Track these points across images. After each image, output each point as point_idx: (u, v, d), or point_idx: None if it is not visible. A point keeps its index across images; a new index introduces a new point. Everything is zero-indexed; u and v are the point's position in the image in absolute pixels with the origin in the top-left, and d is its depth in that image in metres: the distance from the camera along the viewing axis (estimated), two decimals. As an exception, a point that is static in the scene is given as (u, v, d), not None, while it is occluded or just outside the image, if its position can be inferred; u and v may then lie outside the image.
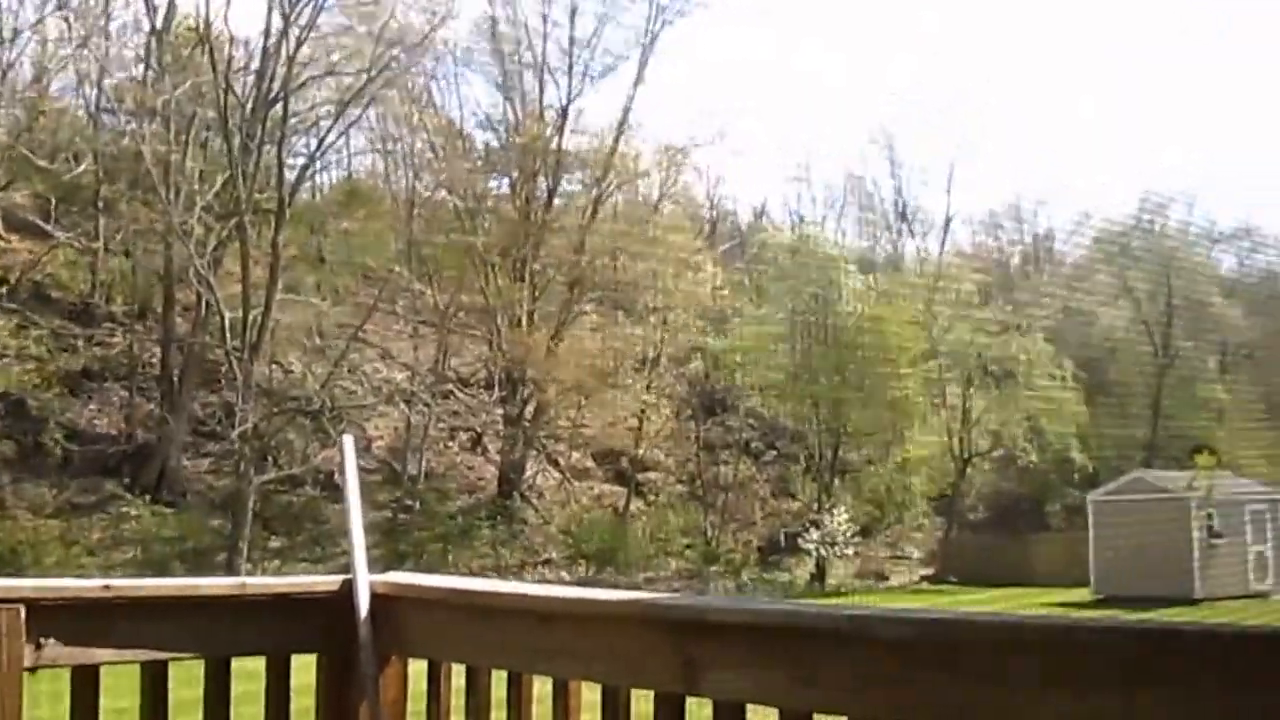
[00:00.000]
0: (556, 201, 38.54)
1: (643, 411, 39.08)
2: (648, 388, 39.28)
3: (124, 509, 31.75)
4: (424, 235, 37.17)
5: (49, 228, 34.68)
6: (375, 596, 3.33)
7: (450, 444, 38.28)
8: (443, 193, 38.44)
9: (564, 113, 37.53)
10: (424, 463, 35.83)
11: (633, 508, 38.32)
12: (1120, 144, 55.05)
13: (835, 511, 37.91)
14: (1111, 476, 38.27)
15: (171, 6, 35.26)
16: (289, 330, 35.09)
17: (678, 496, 40.14)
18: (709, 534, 38.90)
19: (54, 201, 34.88)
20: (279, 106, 34.50)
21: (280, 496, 33.41)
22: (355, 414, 36.27)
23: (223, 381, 34.11)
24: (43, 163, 32.59)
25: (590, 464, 40.05)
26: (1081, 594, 32.86)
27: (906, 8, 54.92)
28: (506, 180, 39.56)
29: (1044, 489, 45.29)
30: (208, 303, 33.54)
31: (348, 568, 3.40)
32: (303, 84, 35.17)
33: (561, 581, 33.38)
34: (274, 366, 35.32)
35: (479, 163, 40.04)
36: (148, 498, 32.13)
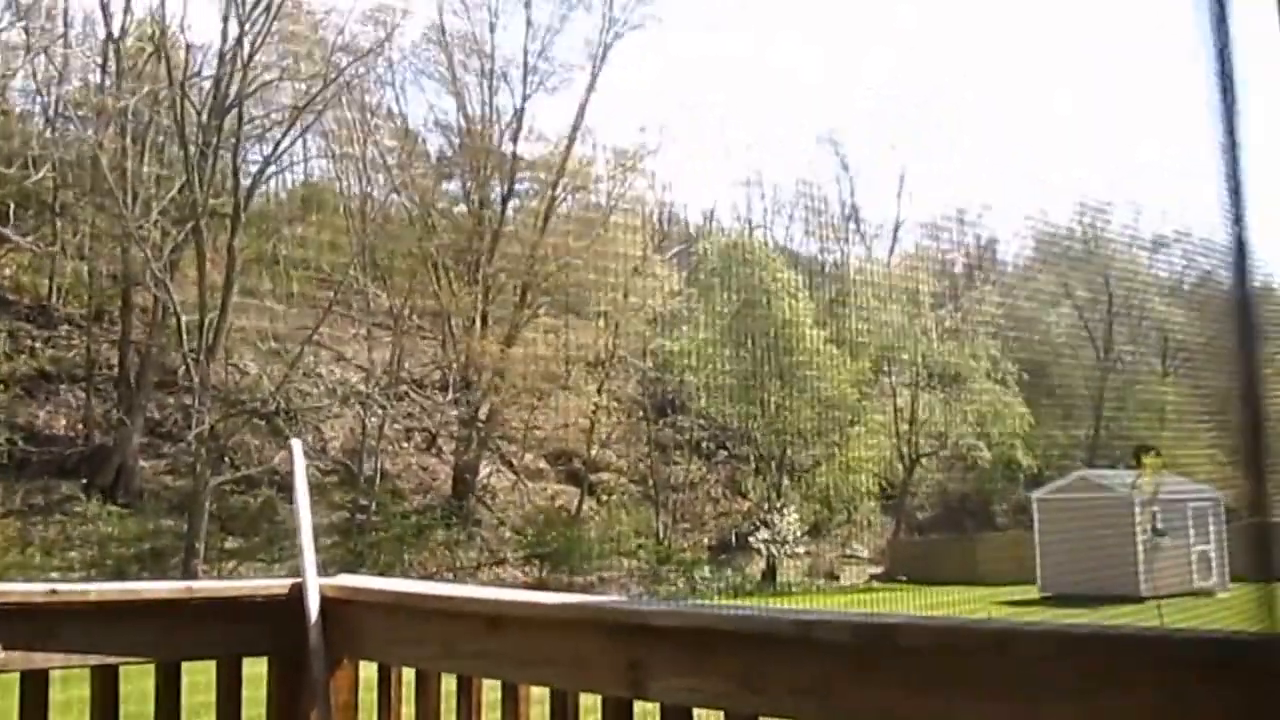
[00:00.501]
0: (510, 207, 38.55)
1: (594, 413, 39.17)
2: (599, 390, 39.36)
3: (80, 510, 31.44)
4: (378, 239, 37.05)
5: (6, 232, 34.21)
6: (326, 600, 3.33)
7: (405, 445, 38.19)
8: (397, 197, 38.32)
9: (517, 118, 37.62)
10: (379, 464, 35.73)
11: (586, 508, 38.39)
12: (1058, 150, 55.42)
13: (785, 511, 38.13)
14: (1056, 476, 38.59)
15: (128, 13, 34.86)
16: (245, 333, 35.01)
17: (630, 497, 40.24)
18: (661, 534, 39.02)
19: (11, 206, 34.42)
20: (234, 113, 34.23)
21: (237, 497, 33.28)
22: (311, 416, 36.18)
23: (179, 384, 33.96)
24: (2, 168, 32.15)
25: (544, 465, 40.08)
26: (1029, 591, 33.11)
27: (861, 12, 55.08)
28: (460, 185, 39.52)
29: (990, 489, 45.72)
30: (164, 306, 33.38)
31: (298, 570, 3.38)
32: (255, 90, 34.98)
33: (516, 581, 33.41)
34: (230, 369, 35.13)
35: (432, 168, 40.00)
36: (104, 499, 31.81)
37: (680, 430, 43.26)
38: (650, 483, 40.71)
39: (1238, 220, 1.46)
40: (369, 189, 37.78)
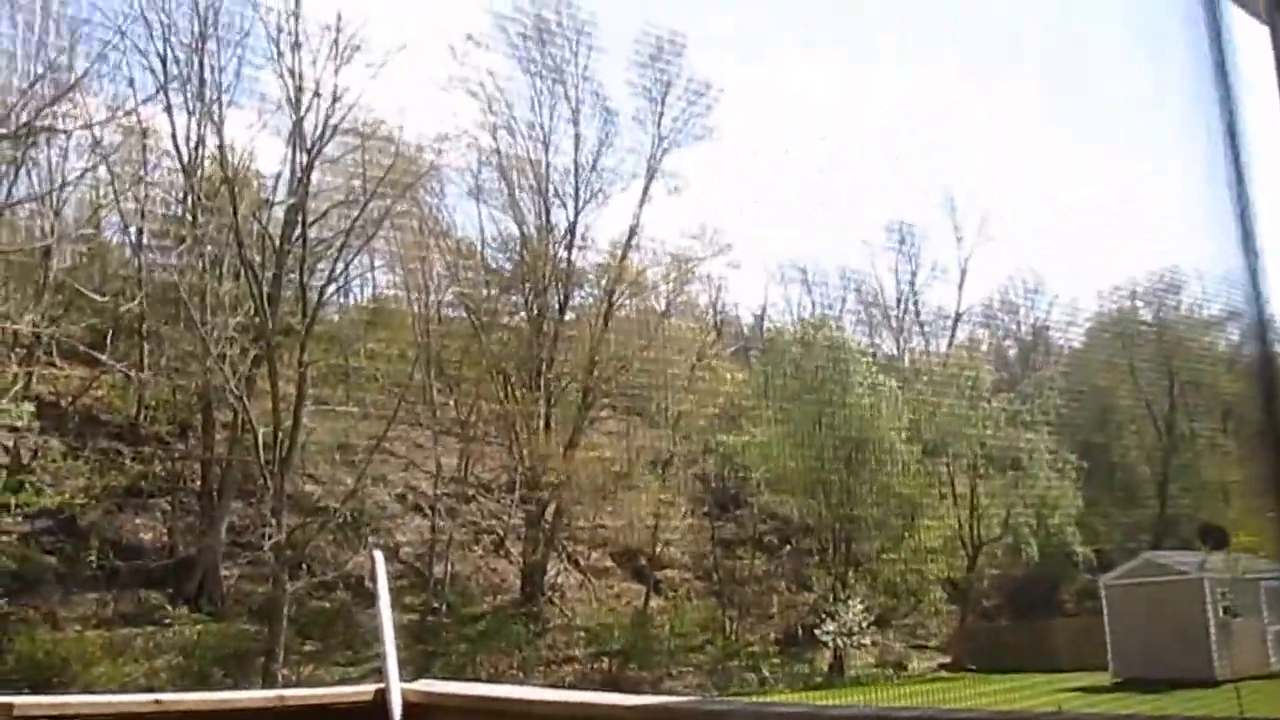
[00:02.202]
0: (568, 314, 39.59)
1: (659, 511, 39.64)
2: (663, 487, 39.89)
3: (167, 619, 32.36)
4: (443, 349, 38.20)
5: (101, 356, 35.86)
6: (408, 704, 3.51)
7: (474, 547, 38.87)
8: (459, 309, 39.60)
9: (571, 230, 38.74)
10: (449, 566, 36.42)
11: (652, 605, 38.71)
12: (1107, 231, 55.51)
13: (850, 602, 38.13)
14: (1121, 560, 38.26)
15: (200, 149, 36.57)
16: (318, 443, 35.92)
17: (696, 592, 40.53)
18: (728, 628, 39.18)
19: (108, 332, 36.11)
20: (302, 234, 35.71)
21: (314, 602, 34.00)
22: (382, 521, 36.95)
23: (258, 494, 34.85)
24: (97, 296, 33.80)
25: (610, 563, 40.52)
26: (1101, 678, 32.74)
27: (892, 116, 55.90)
28: (519, 295, 40.67)
29: (1054, 574, 45.32)
30: (242, 420, 34.40)
31: (381, 674, 3.63)
32: (324, 213, 36.47)
33: (585, 680, 33.74)
34: (305, 478, 36.06)
35: (491, 279, 41.23)
36: (189, 607, 32.76)
37: (743, 525, 43.61)
38: (715, 578, 41.04)
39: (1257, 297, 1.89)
40: (432, 301, 39.07)
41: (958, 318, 50.09)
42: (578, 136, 38.21)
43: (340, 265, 37.42)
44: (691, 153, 39.73)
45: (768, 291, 55.24)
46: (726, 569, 41.18)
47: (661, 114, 38.65)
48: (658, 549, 39.74)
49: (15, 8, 34.48)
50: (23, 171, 35.64)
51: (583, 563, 39.50)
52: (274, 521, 32.74)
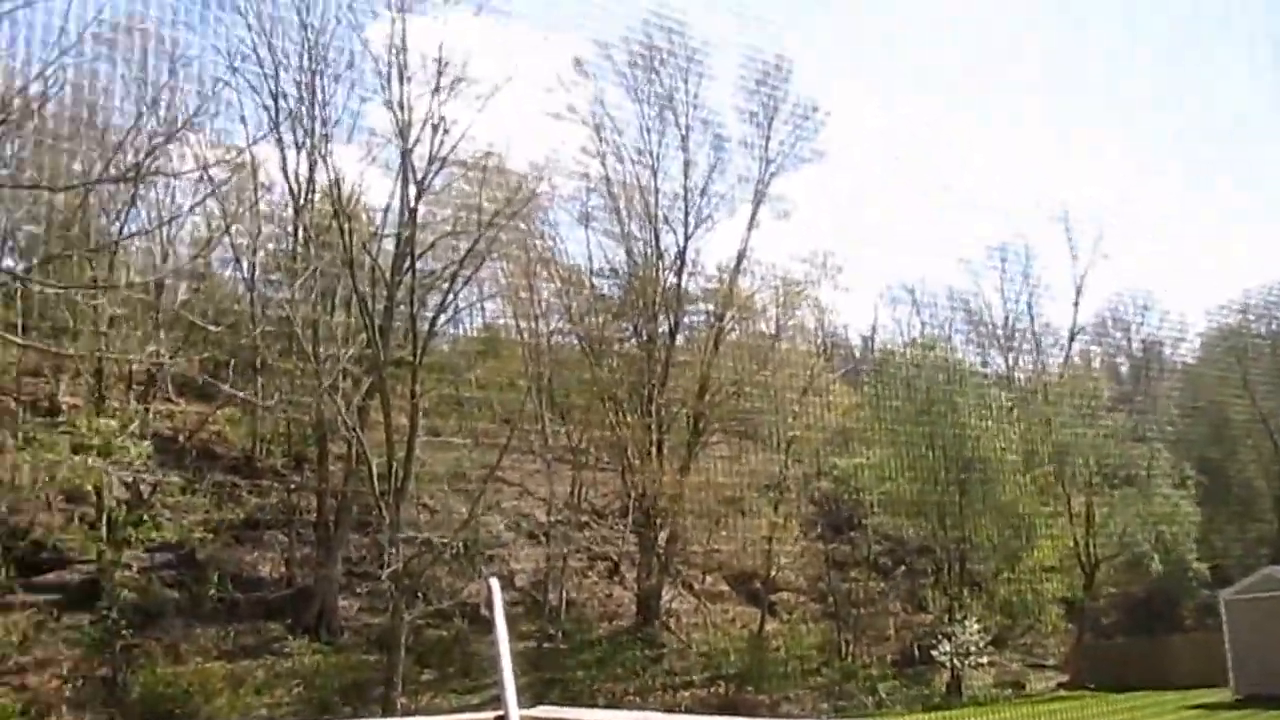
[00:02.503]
0: (678, 339, 39.40)
1: (772, 534, 39.27)
2: (776, 510, 39.52)
3: (286, 649, 32.60)
4: (554, 376, 38.23)
5: (225, 387, 36.37)
6: None
7: (589, 573, 38.80)
8: (569, 336, 39.65)
9: (681, 255, 38.57)
10: (565, 593, 36.36)
11: (768, 628, 38.35)
12: (1212, 242, 54.45)
13: (967, 622, 37.51)
14: (1240, 575, 37.27)
15: (312, 183, 37.00)
16: (432, 473, 35.89)
17: (811, 615, 40.11)
18: (844, 650, 38.71)
19: (218, 365, 36.64)
20: (411, 266, 35.90)
21: (431, 631, 34.05)
22: (497, 549, 36.99)
23: (373, 524, 34.91)
24: (212, 327, 34.22)
25: (724, 587, 40.24)
26: (1223, 695, 31.88)
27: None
28: (629, 321, 40.60)
29: (1173, 590, 44.24)
30: (357, 452, 34.55)
31: (499, 701, 3.60)
32: (432, 244, 36.68)
33: (702, 704, 33.45)
34: (420, 508, 36.13)
35: (600, 306, 41.22)
36: (308, 637, 32.97)
37: (857, 546, 43.15)
38: (830, 600, 40.59)
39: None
40: (542, 329, 39.15)
41: (1074, 334, 49.28)
42: (687, 162, 38.06)
43: (450, 296, 37.52)
44: (799, 176, 39.31)
45: (877, 312, 54.66)
46: (841, 591, 40.70)
47: (769, 137, 38.40)
48: (772, 572, 39.38)
49: (122, 47, 35.23)
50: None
51: (697, 587, 39.27)
52: (390, 551, 32.77)
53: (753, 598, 39.69)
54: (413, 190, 35.86)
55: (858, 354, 49.26)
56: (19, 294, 36.21)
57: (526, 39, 40.93)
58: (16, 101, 31.09)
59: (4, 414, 35.42)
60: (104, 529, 31.99)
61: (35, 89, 33.18)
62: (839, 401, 41.50)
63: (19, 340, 29.92)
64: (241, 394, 36.69)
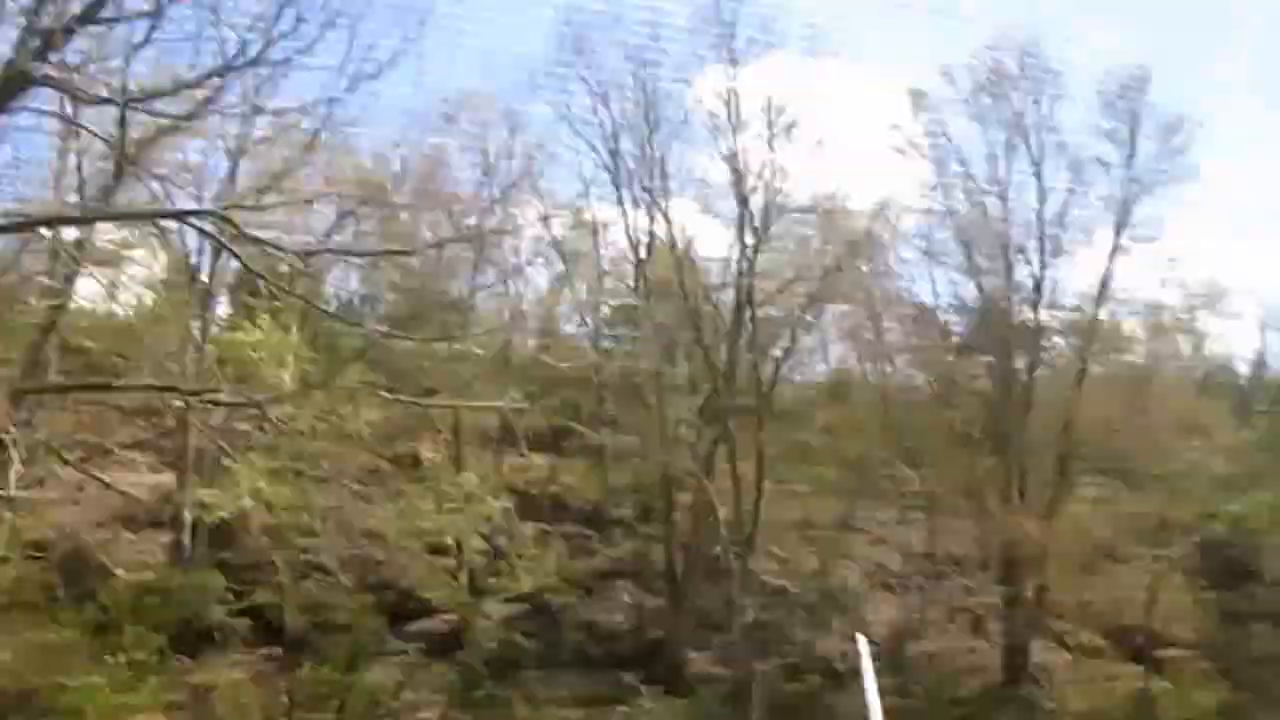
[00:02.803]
0: (1036, 376, 36.80)
1: (1154, 584, 35.83)
2: (1157, 557, 36.08)
3: (639, 700, 32.15)
4: (904, 419, 36.57)
5: (564, 442, 36.82)
6: None
7: (949, 627, 36.61)
8: (918, 378, 37.89)
9: (1037, 287, 36.07)
10: (923, 647, 34.38)
11: (1153, 687, 34.90)
12: None
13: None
14: None
15: (651, 237, 37.13)
16: (781, 522, 35.13)
17: (1203, 673, 36.24)
18: (1244, 714, 34.68)
19: (566, 419, 37.11)
20: (752, 314, 35.41)
21: (784, 685, 32.87)
22: (850, 600, 35.51)
23: (723, 575, 34.14)
24: (563, 364, 34.72)
25: (1101, 642, 36.97)
26: None
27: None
28: (981, 358, 38.34)
29: None
30: (704, 501, 34.12)
31: None
32: (777, 292, 36.05)
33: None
34: (769, 558, 35.28)
35: (950, 344, 39.25)
36: (660, 689, 32.41)
37: (1256, 598, 38.81)
38: (1225, 657, 36.55)
39: None
40: (889, 370, 37.66)
41: None
42: (1040, 188, 35.72)
43: (793, 341, 36.68)
44: (1168, 194, 35.82)
45: (1265, 338, 49.48)
46: (1238, 647, 36.53)
47: (1132, 155, 35.52)
48: (1156, 625, 35.85)
49: (465, 120, 36.56)
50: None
51: (1070, 642, 36.25)
52: (740, 603, 32.22)
53: (1134, 654, 36.21)
54: (750, 238, 35.58)
55: (1245, 385, 44.80)
56: (383, 359, 38.13)
57: (859, 76, 40.03)
58: (374, 179, 33.04)
59: (374, 472, 36.96)
60: (465, 580, 32.85)
61: (393, 167, 35.14)
62: (1227, 437, 37.57)
63: (388, 395, 31.05)
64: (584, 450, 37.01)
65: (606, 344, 40.40)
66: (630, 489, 38.08)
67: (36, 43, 12.87)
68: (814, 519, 35.69)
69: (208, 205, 23.03)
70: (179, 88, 14.74)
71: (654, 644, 34.09)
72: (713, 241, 39.78)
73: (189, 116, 14.84)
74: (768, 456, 34.25)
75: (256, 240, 18.31)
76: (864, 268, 36.80)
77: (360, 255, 35.30)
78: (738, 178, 35.66)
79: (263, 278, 27.06)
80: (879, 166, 39.44)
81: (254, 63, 14.28)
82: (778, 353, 36.85)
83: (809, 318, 36.41)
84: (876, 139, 36.99)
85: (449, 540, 32.79)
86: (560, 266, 39.23)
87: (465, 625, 32.37)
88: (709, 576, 35.08)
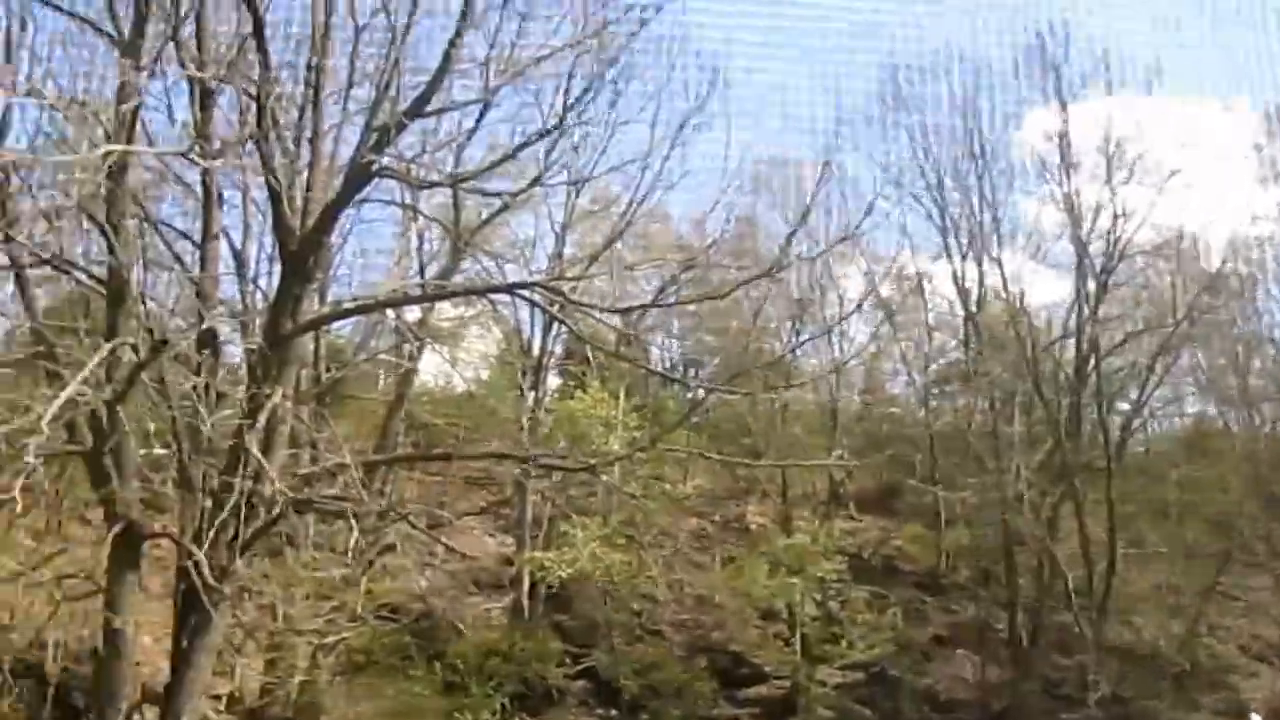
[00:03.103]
0: None
1: None
2: None
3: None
4: (1275, 474, 33.19)
5: (895, 503, 35.45)
6: None
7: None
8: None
9: None
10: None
11: None
12: None
13: None
14: None
15: (981, 288, 35.49)
16: (1137, 587, 32.64)
17: None
18: None
19: (896, 479, 35.65)
20: (1095, 365, 33.25)
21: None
22: (1224, 674, 32.28)
23: (1073, 643, 32.18)
24: (896, 414, 33.45)
25: None
26: None
27: None
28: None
29: None
30: (1049, 565, 32.36)
31: None
32: (1122, 342, 33.67)
33: None
34: (1124, 625, 32.71)
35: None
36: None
37: None
38: None
39: None
40: (1256, 420, 34.31)
41: None
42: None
43: (1143, 393, 34.02)
44: None
45: None
46: None
47: None
48: None
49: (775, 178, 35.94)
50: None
51: None
52: (1095, 674, 30.02)
53: None
54: (1092, 285, 33.34)
55: None
56: (708, 424, 37.91)
57: (1196, 107, 37.12)
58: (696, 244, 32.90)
59: (702, 536, 36.66)
60: (798, 645, 31.88)
61: (710, 229, 34.97)
62: None
63: (715, 457, 30.74)
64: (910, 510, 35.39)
65: (935, 400, 38.66)
66: (968, 551, 36.09)
67: (375, 138, 12.95)
68: (1175, 583, 32.64)
69: (536, 277, 23.55)
70: (495, 164, 14.94)
71: (998, 716, 32.14)
72: (1046, 290, 37.38)
73: (515, 194, 14.88)
74: (1119, 515, 31.89)
75: (583, 307, 18.51)
76: (1223, 311, 33.65)
77: (676, 305, 35.23)
78: (1074, 222, 33.59)
79: (592, 344, 27.55)
80: (1239, 199, 36.07)
81: (562, 133, 14.14)
82: (1126, 404, 34.23)
83: (1161, 365, 33.53)
84: (1223, 171, 34.21)
85: (780, 605, 32.21)
86: (883, 322, 37.81)
87: (799, 692, 31.32)
88: (1058, 645, 33.01)
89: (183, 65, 14.13)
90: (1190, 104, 37.91)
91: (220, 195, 15.11)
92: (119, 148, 11.87)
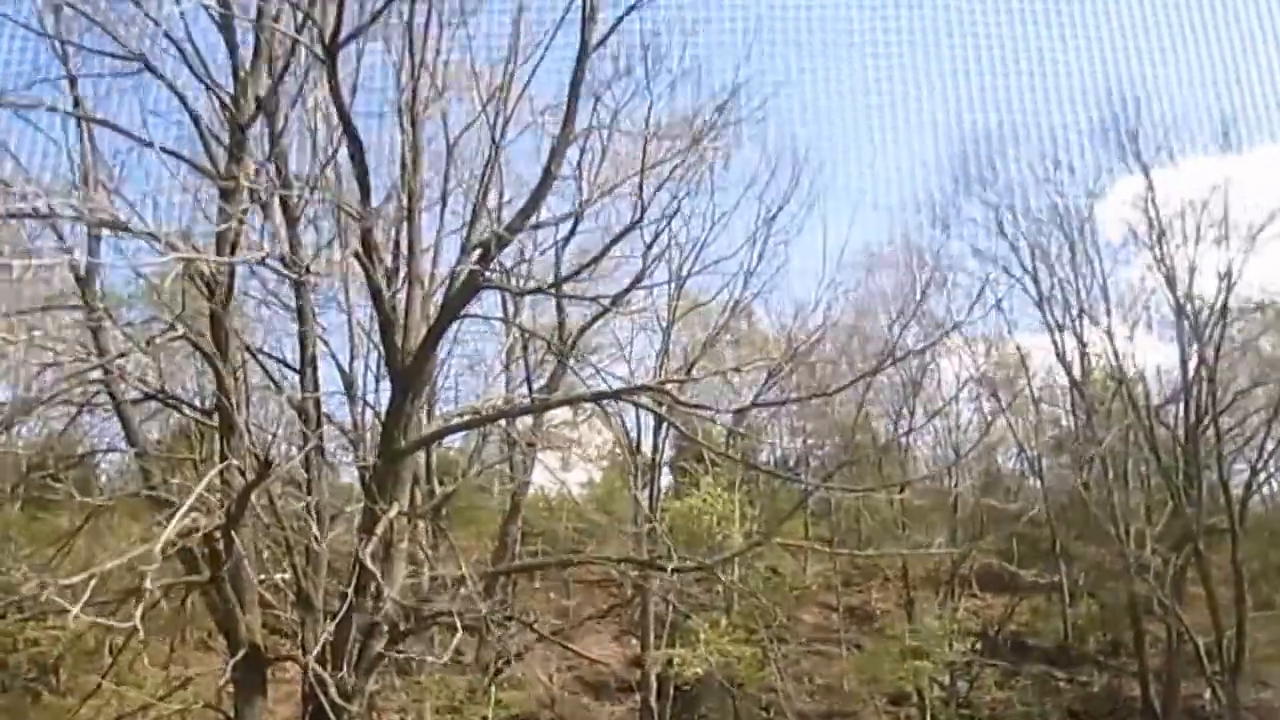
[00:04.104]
0: None
1: None
2: None
3: None
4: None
5: (1017, 579, 33.63)
6: None
7: None
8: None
9: None
10: None
11: None
12: None
13: None
14: None
15: (1084, 359, 34.43)
16: (1269, 648, 30.65)
17: None
18: None
19: (1016, 555, 33.85)
20: (1212, 425, 31.51)
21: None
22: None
23: (1206, 710, 30.60)
24: (1010, 507, 31.83)
25: None
26: None
27: None
28: None
29: None
30: (1178, 632, 30.70)
31: None
32: (1232, 402, 31.90)
33: None
34: (1258, 686, 30.92)
35: None
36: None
37: None
38: None
39: None
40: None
41: None
42: None
43: (1263, 451, 32.00)
44: None
45: None
46: None
47: None
48: None
49: (892, 263, 35.01)
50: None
51: None
52: None
53: None
54: (1196, 346, 31.60)
55: None
56: (823, 511, 36.64)
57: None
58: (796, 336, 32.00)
59: (826, 626, 35.16)
60: None
61: (811, 323, 34.16)
62: None
63: (830, 549, 29.59)
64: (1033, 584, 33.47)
65: (1048, 473, 36.90)
66: (1094, 622, 34.16)
67: (479, 253, 12.55)
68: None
69: (642, 380, 22.82)
70: (592, 262, 14.77)
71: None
72: (1150, 356, 35.61)
73: (617, 297, 14.21)
74: (1247, 577, 30.13)
75: (690, 408, 17.72)
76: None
77: (781, 404, 34.41)
78: (1171, 286, 32.00)
79: (702, 445, 26.64)
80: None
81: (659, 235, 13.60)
82: (1243, 466, 32.28)
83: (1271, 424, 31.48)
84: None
85: (910, 689, 31.00)
86: (989, 399, 36.21)
87: (933, 775, 30.71)
88: (1191, 712, 31.40)
89: (264, 192, 13.87)
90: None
91: (314, 313, 14.70)
92: (215, 259, 11.54)
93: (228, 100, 13.11)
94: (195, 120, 13.39)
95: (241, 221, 11.79)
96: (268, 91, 13.13)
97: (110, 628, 11.77)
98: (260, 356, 14.86)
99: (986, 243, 34.52)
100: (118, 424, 13.83)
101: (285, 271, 13.13)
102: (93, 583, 8.61)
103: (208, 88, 13.28)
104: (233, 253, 11.67)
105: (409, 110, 13.90)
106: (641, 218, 13.56)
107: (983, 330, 34.69)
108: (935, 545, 29.20)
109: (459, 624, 14.07)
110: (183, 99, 13.18)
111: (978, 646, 31.56)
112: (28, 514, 23.28)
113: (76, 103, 13.52)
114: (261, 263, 12.99)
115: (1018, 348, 36.09)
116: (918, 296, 32.34)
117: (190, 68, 13.10)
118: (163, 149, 12.01)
